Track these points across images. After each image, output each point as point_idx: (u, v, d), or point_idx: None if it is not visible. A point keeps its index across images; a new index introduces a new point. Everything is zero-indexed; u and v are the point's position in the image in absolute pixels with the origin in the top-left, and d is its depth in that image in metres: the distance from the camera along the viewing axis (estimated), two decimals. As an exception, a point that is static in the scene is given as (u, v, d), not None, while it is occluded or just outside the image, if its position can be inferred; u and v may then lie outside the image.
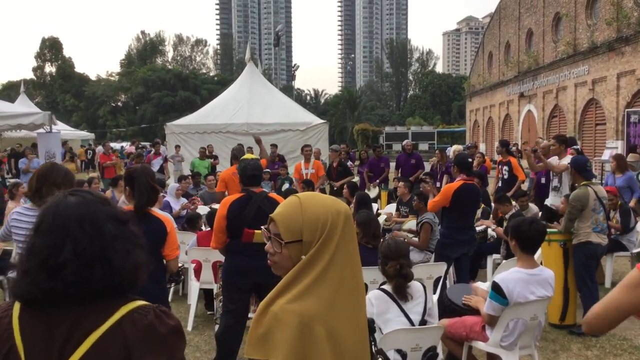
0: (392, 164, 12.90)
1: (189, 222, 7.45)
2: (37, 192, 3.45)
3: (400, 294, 3.50)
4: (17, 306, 1.37)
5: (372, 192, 12.01)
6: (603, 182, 10.31)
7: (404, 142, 12.75)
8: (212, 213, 6.53)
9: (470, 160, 6.14)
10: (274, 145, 14.37)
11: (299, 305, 1.46)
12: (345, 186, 9.01)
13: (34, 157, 13.57)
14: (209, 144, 16.49)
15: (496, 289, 3.84)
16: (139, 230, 1.50)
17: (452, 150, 12.52)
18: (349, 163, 13.33)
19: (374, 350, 1.80)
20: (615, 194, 7.36)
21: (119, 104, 75.70)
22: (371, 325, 1.71)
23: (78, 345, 1.30)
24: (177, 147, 17.16)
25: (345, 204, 1.66)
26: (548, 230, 4.86)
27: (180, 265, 6.19)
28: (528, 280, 3.89)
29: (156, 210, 3.68)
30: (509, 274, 3.93)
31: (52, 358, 1.31)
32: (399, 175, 11.62)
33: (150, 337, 1.35)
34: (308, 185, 8.87)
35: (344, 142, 22.05)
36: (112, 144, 25.10)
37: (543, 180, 9.88)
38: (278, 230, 1.56)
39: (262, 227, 1.70)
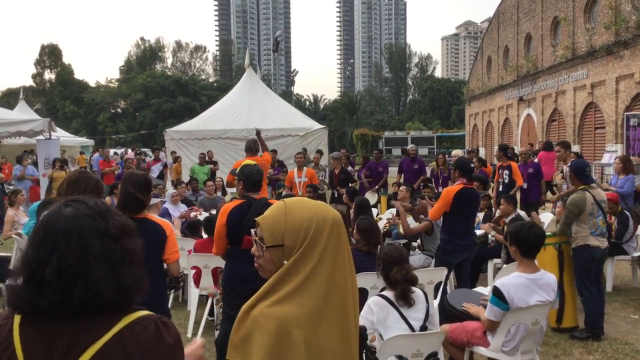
0: (393, 169, 12.95)
1: (189, 228, 7.42)
2: None
3: (405, 300, 3.49)
4: (18, 317, 1.36)
5: (372, 198, 12.01)
6: (608, 182, 10.31)
7: (409, 147, 12.75)
8: (209, 220, 6.51)
9: (472, 165, 6.08)
10: (274, 151, 14.35)
11: (279, 310, 1.46)
12: (344, 191, 9.04)
13: (29, 164, 13.48)
14: (209, 149, 16.51)
15: (497, 294, 3.82)
16: (136, 245, 1.45)
17: (453, 154, 12.48)
18: (349, 168, 13.35)
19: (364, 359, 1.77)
20: (616, 201, 7.31)
21: (118, 110, 75.74)
22: (363, 333, 1.68)
23: (80, 355, 1.29)
24: (173, 153, 17.15)
25: (335, 210, 1.64)
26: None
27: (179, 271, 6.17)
28: (529, 284, 3.88)
29: (154, 216, 3.69)
30: (510, 278, 3.92)
31: None
32: (402, 180, 11.63)
33: (151, 350, 1.34)
34: (314, 190, 8.84)
35: (343, 147, 22.10)
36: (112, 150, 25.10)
37: (525, 185, 9.96)
38: (262, 234, 1.57)
39: (251, 230, 1.70)
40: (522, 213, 8.00)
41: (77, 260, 1.31)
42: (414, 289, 3.55)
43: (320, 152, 13.83)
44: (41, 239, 1.35)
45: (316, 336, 1.47)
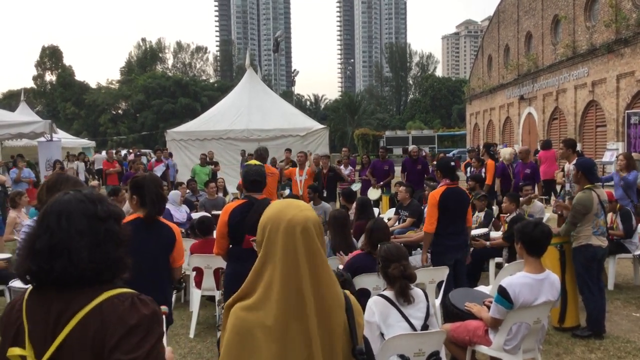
0: (398, 168, 12.96)
1: (192, 229, 7.41)
2: None
3: (404, 297, 3.49)
4: (28, 290, 1.62)
5: (374, 194, 12.00)
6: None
7: (410, 148, 12.78)
8: (202, 222, 6.50)
9: (452, 164, 5.87)
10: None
11: (247, 313, 1.60)
12: (341, 194, 9.16)
13: (24, 166, 13.41)
14: (210, 150, 16.50)
15: (503, 293, 3.82)
16: (122, 229, 1.67)
17: (503, 152, 11.98)
18: (350, 168, 13.35)
19: None
20: (612, 198, 7.30)
21: (119, 111, 75.79)
22: (358, 357, 1.65)
23: (67, 323, 1.52)
24: (170, 155, 17.14)
25: (304, 214, 1.65)
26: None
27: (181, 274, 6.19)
28: (534, 285, 3.88)
29: (163, 219, 3.73)
30: (516, 278, 3.91)
31: (47, 333, 1.53)
32: (405, 180, 11.63)
33: (125, 320, 1.52)
34: (314, 190, 8.83)
35: (345, 146, 22.14)
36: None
37: (521, 184, 9.95)
38: None
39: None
40: (539, 204, 8.08)
41: (64, 235, 1.56)
42: (413, 286, 3.55)
43: (327, 157, 13.27)
44: (41, 219, 1.62)
45: (282, 340, 1.55)
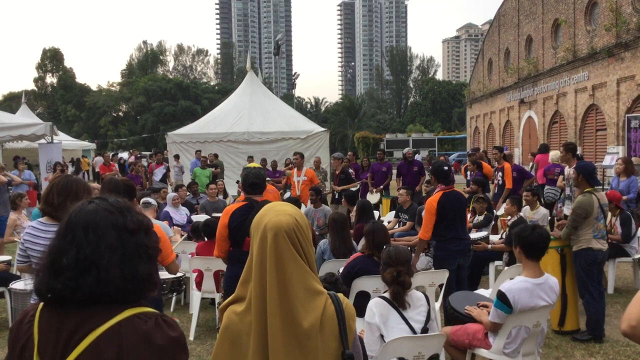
0: (395, 171, 12.94)
1: (194, 231, 7.42)
2: (61, 207, 3.24)
3: (398, 301, 3.48)
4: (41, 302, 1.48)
5: (373, 198, 12.01)
6: (609, 184, 10.26)
7: (405, 150, 12.77)
8: (207, 224, 6.51)
9: (445, 168, 5.80)
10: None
11: (236, 316, 1.66)
12: (342, 195, 9.12)
13: (25, 168, 13.38)
14: (210, 153, 16.51)
15: (502, 298, 3.82)
16: (152, 242, 1.53)
17: (551, 156, 11.80)
18: (350, 171, 13.37)
19: None
20: (617, 202, 7.27)
21: (120, 113, 75.84)
22: None
23: (79, 342, 1.37)
24: (176, 156, 17.16)
25: (278, 220, 1.67)
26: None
27: (181, 274, 6.18)
28: (534, 289, 3.88)
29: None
30: (515, 283, 3.91)
31: (57, 350, 1.39)
32: (401, 183, 11.65)
33: (146, 344, 1.38)
34: (317, 193, 8.78)
35: (350, 150, 22.11)
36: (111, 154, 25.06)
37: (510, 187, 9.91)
38: None
39: None
40: (544, 210, 8.04)
41: (93, 250, 1.41)
42: (412, 291, 3.54)
43: (340, 159, 12.81)
44: (64, 231, 1.46)
45: (265, 345, 1.60)
